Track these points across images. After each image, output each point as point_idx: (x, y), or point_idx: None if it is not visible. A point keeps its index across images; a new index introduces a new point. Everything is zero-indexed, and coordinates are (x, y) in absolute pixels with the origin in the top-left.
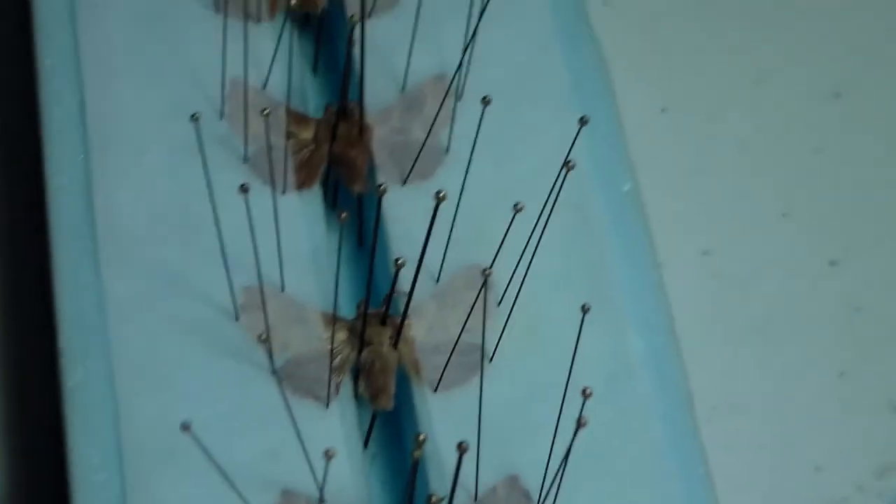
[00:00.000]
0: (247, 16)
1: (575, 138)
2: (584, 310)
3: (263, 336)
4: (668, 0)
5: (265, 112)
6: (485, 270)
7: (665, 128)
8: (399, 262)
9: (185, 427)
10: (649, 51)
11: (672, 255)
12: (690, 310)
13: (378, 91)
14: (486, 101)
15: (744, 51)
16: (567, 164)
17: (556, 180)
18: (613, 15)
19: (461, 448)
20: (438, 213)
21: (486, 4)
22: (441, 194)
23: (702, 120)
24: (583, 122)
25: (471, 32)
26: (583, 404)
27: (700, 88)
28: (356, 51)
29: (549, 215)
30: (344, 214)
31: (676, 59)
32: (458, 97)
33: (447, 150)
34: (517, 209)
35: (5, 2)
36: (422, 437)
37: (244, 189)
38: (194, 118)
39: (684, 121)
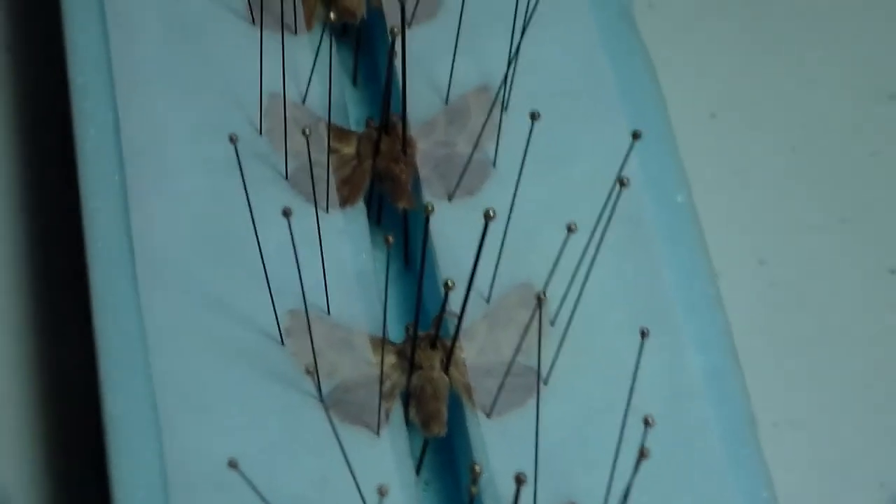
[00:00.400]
0: (283, 28)
1: (627, 154)
2: (643, 334)
3: (310, 367)
4: (713, 2)
5: (306, 132)
6: (539, 294)
7: (715, 134)
8: (449, 284)
9: (232, 465)
10: (696, 54)
11: (728, 264)
12: (747, 321)
13: (420, 103)
14: (534, 117)
15: (794, 52)
16: (621, 182)
17: (608, 197)
18: (659, 18)
19: (519, 480)
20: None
21: (531, 14)
22: (490, 213)
23: (753, 125)
24: (635, 136)
25: (515, 42)
26: (644, 433)
27: (750, 92)
28: (397, 62)
29: (603, 235)
30: (391, 238)
31: (724, 62)
32: (504, 108)
33: (494, 163)
34: (571, 230)
35: (36, 20)
36: (478, 469)
37: (286, 213)
38: (232, 139)
39: (735, 126)
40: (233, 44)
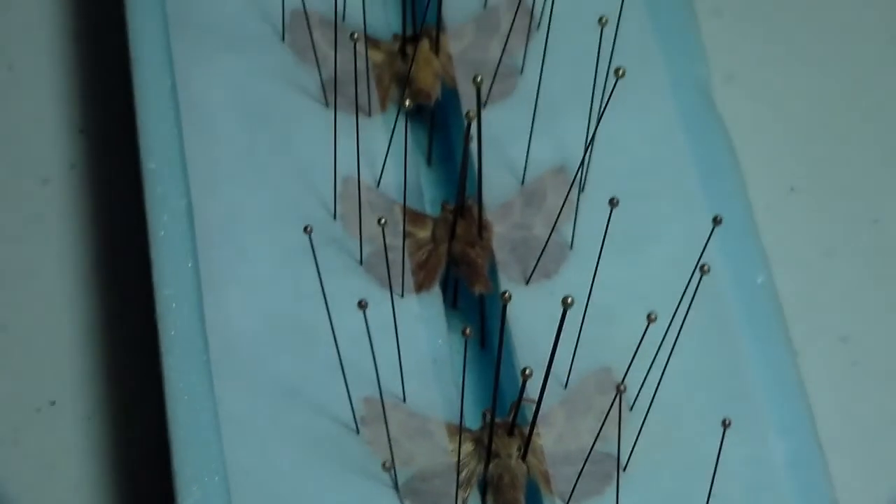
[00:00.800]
0: (357, 110)
1: (708, 239)
2: (725, 425)
3: (387, 462)
4: (792, 74)
5: (382, 221)
6: (619, 385)
7: (795, 208)
8: (526, 372)
9: None
10: (774, 127)
11: (808, 341)
12: (829, 401)
13: (496, 185)
14: (613, 203)
15: (876, 123)
16: (702, 269)
17: (688, 283)
18: (735, 92)
19: None
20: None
21: (611, 95)
22: (569, 301)
23: (833, 197)
24: (716, 221)
25: (592, 122)
26: None
27: (830, 165)
28: (473, 146)
29: (683, 321)
30: (468, 331)
31: (803, 134)
32: (581, 189)
33: (571, 245)
34: (651, 319)
35: (111, 104)
36: None
37: (362, 305)
38: (307, 230)
39: (815, 200)
40: (306, 127)
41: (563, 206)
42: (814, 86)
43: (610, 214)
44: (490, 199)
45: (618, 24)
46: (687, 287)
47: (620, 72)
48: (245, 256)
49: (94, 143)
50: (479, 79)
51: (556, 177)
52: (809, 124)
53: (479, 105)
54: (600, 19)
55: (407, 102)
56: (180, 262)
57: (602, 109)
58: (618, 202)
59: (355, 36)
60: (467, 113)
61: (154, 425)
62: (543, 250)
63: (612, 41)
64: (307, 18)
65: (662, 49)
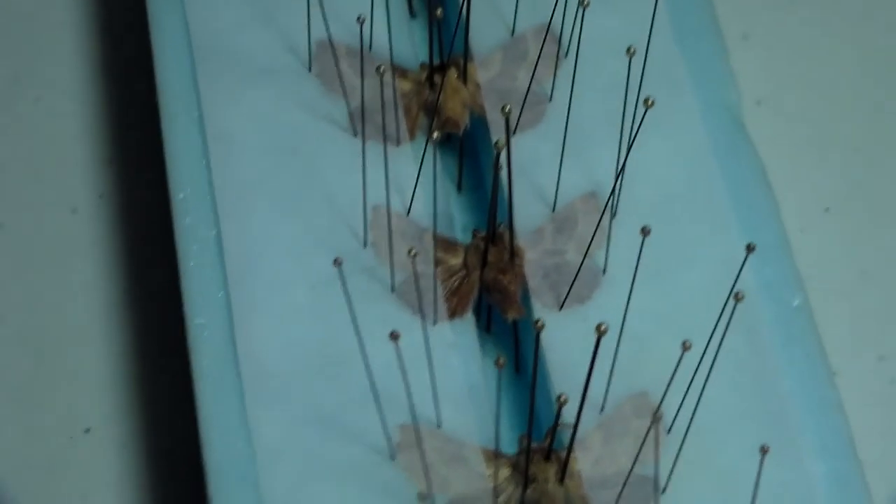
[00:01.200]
0: (385, 139)
1: (741, 267)
2: (763, 451)
3: (423, 492)
4: (825, 94)
5: (412, 252)
6: (655, 412)
7: (829, 229)
8: (562, 398)
9: None
10: (807, 149)
11: (846, 361)
12: (867, 421)
13: (527, 211)
14: (645, 232)
15: None
16: (736, 296)
17: (722, 309)
18: (768, 113)
19: None
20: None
21: (641, 123)
22: (602, 328)
23: (868, 217)
24: (749, 249)
25: (623, 149)
26: None
27: (865, 185)
28: (503, 174)
29: (719, 348)
30: (502, 360)
31: (837, 154)
32: (613, 215)
33: (604, 271)
34: (686, 348)
35: (138, 135)
36: None
37: (394, 336)
38: (336, 262)
39: (850, 220)
40: (335, 157)
41: (595, 231)
42: (845, 105)
43: (642, 243)
44: (521, 226)
45: (647, 51)
46: (721, 313)
47: (650, 101)
48: (276, 286)
49: (123, 173)
50: (507, 108)
51: (587, 203)
52: (842, 144)
53: (508, 134)
54: (628, 49)
55: (435, 135)
56: (211, 292)
57: (633, 137)
58: (649, 231)
59: (382, 69)
60: (496, 142)
61: (188, 454)
62: (576, 276)
63: (641, 68)
64: (333, 49)
65: (691, 75)
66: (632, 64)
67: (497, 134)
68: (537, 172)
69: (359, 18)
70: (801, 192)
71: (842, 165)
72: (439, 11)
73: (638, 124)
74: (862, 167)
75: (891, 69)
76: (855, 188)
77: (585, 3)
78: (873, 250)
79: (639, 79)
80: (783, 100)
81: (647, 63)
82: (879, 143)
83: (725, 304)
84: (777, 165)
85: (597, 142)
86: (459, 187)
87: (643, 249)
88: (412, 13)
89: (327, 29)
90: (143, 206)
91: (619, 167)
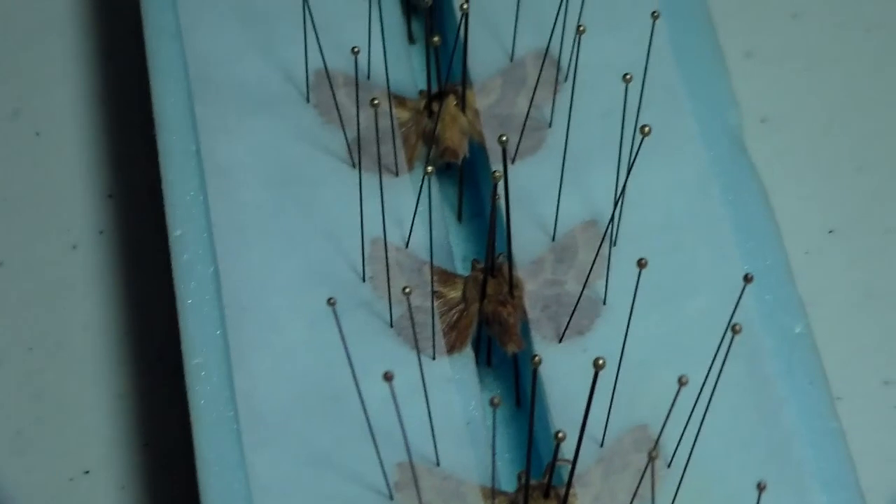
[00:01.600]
0: (381, 170)
1: (739, 299)
2: (760, 488)
3: None
4: (828, 115)
5: (406, 290)
6: (651, 451)
7: (833, 251)
8: (560, 435)
9: None
10: (811, 169)
11: (850, 386)
12: (873, 445)
13: (526, 240)
14: (641, 265)
15: None
16: (733, 329)
17: (721, 340)
18: (771, 133)
19: None
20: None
21: (639, 149)
22: (600, 362)
23: (874, 240)
24: (747, 280)
25: (621, 175)
26: None
27: (869, 205)
28: (501, 203)
29: (718, 378)
30: (497, 400)
31: (840, 176)
32: (613, 243)
33: (604, 300)
34: (682, 383)
35: (138, 170)
36: None
37: (388, 377)
38: (330, 302)
39: (855, 242)
40: (333, 189)
41: (594, 260)
42: (850, 125)
43: (639, 275)
44: (521, 256)
45: (644, 74)
46: (720, 343)
47: (647, 129)
48: (274, 322)
49: (123, 208)
50: (504, 138)
51: (586, 231)
52: (846, 164)
53: (506, 164)
54: (625, 76)
55: (429, 168)
56: (209, 331)
57: (631, 163)
58: (646, 263)
59: (376, 101)
60: (493, 173)
61: (187, 494)
62: (575, 308)
63: (640, 92)
64: (329, 79)
65: (691, 97)
66: (631, 88)
67: (497, 161)
68: (537, 200)
69: (353, 49)
70: (806, 213)
71: (846, 185)
72: (437, 38)
73: (636, 150)
74: (867, 187)
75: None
76: (859, 209)
77: (582, 28)
78: (878, 272)
79: (637, 103)
80: (788, 117)
81: (646, 86)
82: (884, 163)
83: (724, 335)
84: (781, 185)
85: (596, 168)
86: (459, 217)
87: (644, 278)
88: (411, 39)
89: (324, 58)
90: (143, 242)
91: (618, 194)
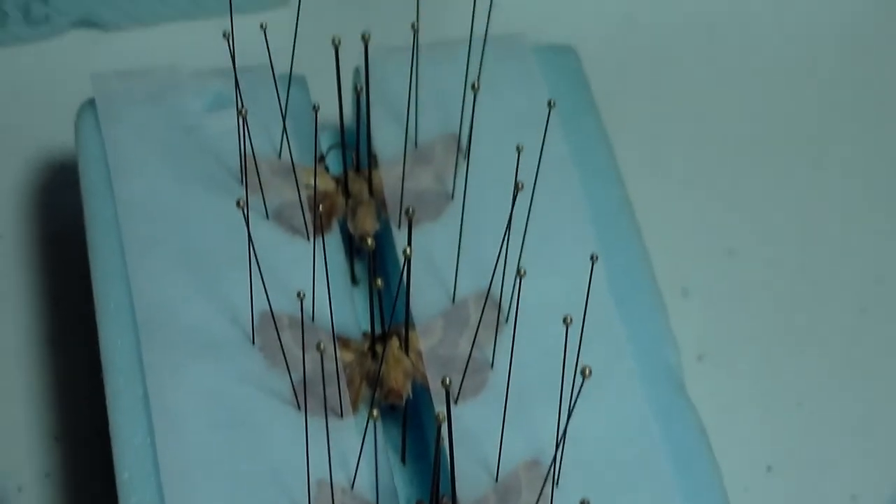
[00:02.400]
0: (327, 413)
1: None
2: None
3: None
4: (765, 351)
5: None
6: None
7: (772, 488)
8: None
9: None
10: (748, 406)
11: None
12: None
13: (470, 481)
14: None
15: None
16: None
17: None
18: (707, 371)
19: None
20: None
21: (580, 390)
22: None
23: (811, 476)
24: None
25: (563, 415)
26: None
27: (806, 442)
28: (445, 444)
29: None
30: None
31: (777, 412)
32: (555, 484)
33: None
34: None
35: (84, 411)
36: None
37: None
38: None
39: (792, 479)
40: (279, 431)
41: (537, 502)
42: (787, 360)
43: None
44: (464, 496)
45: (584, 315)
46: None
47: (587, 371)
48: None
49: (69, 450)
50: (447, 381)
51: (529, 471)
52: (784, 400)
53: (449, 406)
54: (565, 319)
55: (374, 413)
56: None
57: (572, 404)
58: None
59: (321, 345)
60: (437, 415)
61: None
62: None
63: (580, 332)
64: (275, 320)
65: (630, 337)
66: (571, 329)
67: (440, 403)
68: (481, 440)
69: (299, 294)
70: (744, 450)
71: (784, 422)
72: (379, 281)
73: (577, 391)
74: (805, 423)
75: (833, 322)
76: (798, 445)
77: (522, 272)
78: None
79: (578, 343)
80: (724, 355)
81: (586, 326)
82: (824, 397)
83: None
84: (718, 422)
85: (539, 407)
86: (403, 459)
87: None
88: (354, 281)
89: (269, 301)
90: (90, 485)
91: (560, 436)
